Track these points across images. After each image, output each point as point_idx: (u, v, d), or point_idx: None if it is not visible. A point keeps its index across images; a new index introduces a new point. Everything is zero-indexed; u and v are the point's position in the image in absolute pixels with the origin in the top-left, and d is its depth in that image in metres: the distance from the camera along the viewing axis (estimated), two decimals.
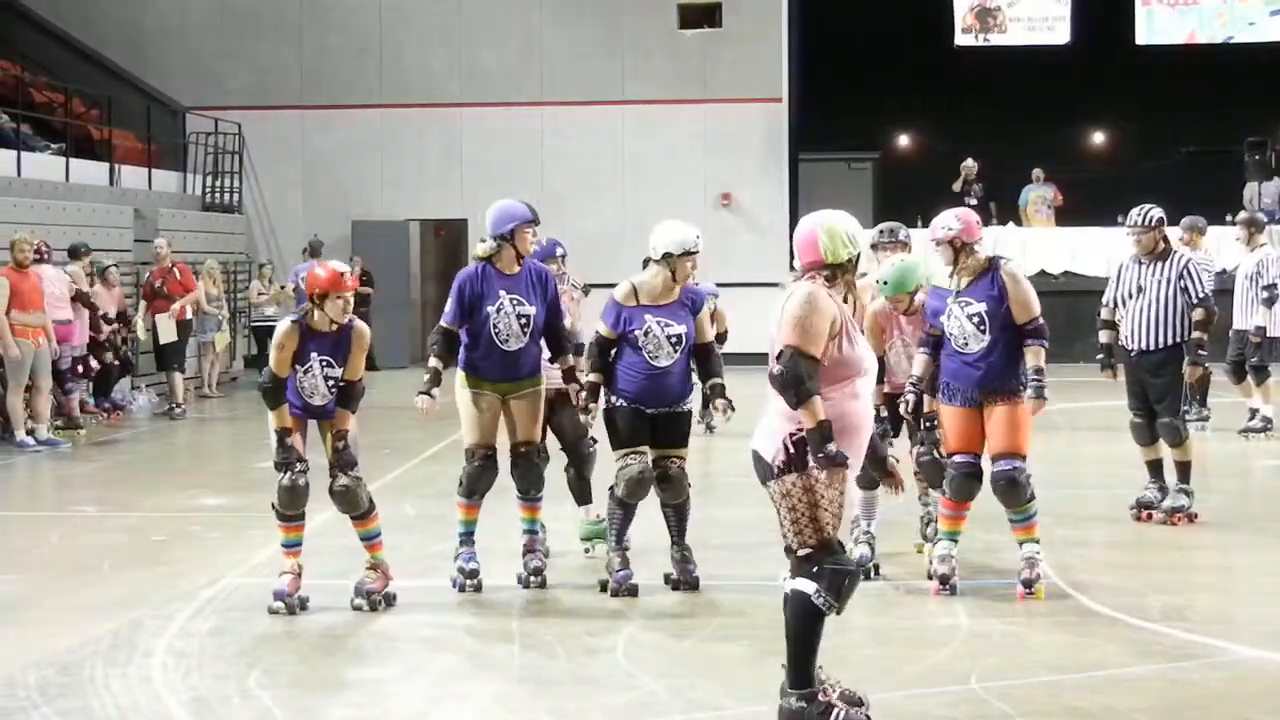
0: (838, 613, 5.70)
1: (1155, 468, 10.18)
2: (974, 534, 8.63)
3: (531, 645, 7.19)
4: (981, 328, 7.91)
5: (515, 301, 8.14)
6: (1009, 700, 6.23)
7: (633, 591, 8.04)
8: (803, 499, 5.63)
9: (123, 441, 15.58)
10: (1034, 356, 7.92)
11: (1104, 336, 10.34)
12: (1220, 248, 18.62)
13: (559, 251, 9.16)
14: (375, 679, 6.71)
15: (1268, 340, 14.18)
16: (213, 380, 20.23)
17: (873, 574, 8.33)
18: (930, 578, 8.14)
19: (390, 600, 7.87)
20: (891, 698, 6.31)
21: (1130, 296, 10.10)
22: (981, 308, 7.91)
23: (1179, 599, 8.02)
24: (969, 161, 23.61)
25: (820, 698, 5.70)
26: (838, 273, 5.82)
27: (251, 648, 7.16)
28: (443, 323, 8.27)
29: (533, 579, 8.32)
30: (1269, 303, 14.01)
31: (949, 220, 8.02)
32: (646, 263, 8.23)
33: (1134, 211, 10.15)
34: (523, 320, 8.16)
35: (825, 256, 5.79)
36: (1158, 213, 10.07)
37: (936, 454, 8.32)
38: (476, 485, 8.29)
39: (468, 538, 8.33)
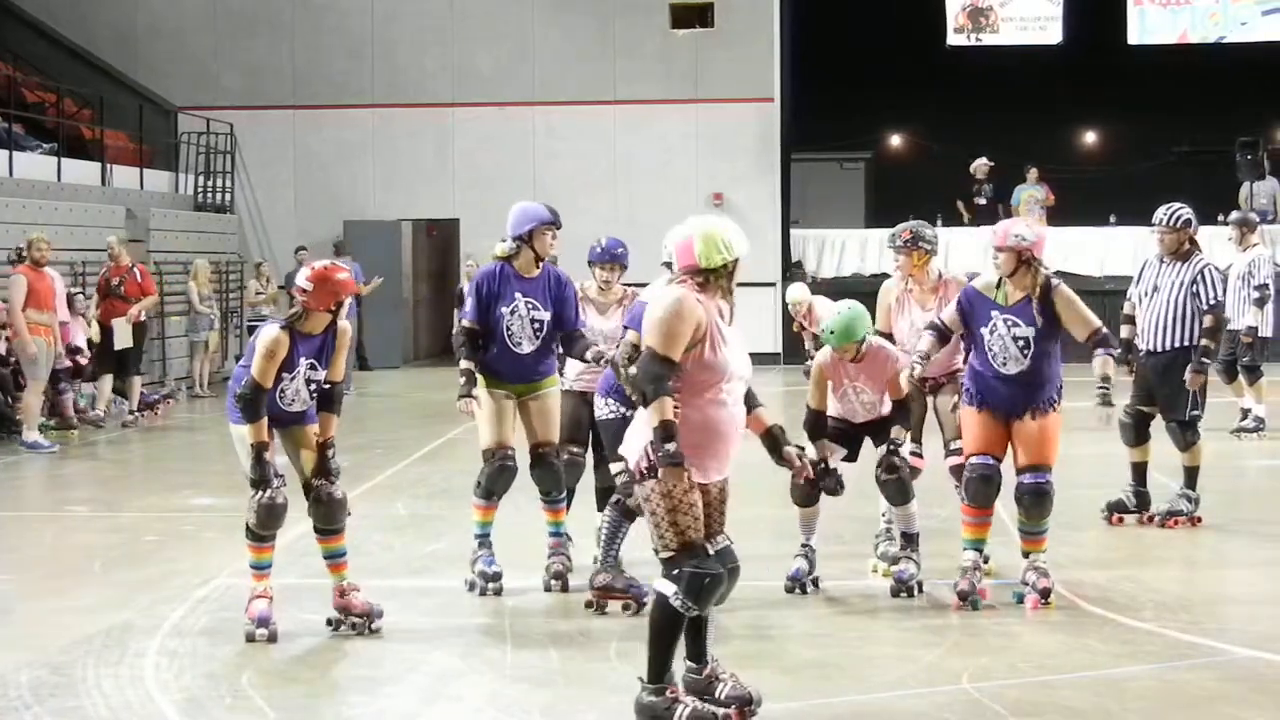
0: (699, 614, 5.82)
1: (1139, 471, 10.09)
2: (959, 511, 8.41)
3: (524, 645, 7.19)
4: (1025, 352, 7.68)
5: (530, 305, 8.06)
6: (1001, 700, 6.23)
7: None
8: (661, 504, 5.73)
9: (114, 442, 15.56)
10: (1101, 365, 7.84)
11: (1124, 331, 10.19)
12: (1212, 248, 18.63)
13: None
14: (368, 679, 6.70)
15: (1259, 340, 14.20)
16: (204, 380, 20.25)
17: (810, 587, 8.11)
18: (891, 592, 8.00)
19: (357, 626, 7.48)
20: (884, 698, 6.32)
21: (1147, 295, 10.01)
22: (1030, 332, 7.69)
23: (1171, 599, 8.02)
24: (981, 160, 23.58)
25: (669, 693, 5.82)
26: (710, 278, 5.88)
27: (244, 647, 7.15)
28: (464, 322, 8.21)
29: (553, 583, 8.22)
30: (1260, 303, 14.03)
31: (1023, 229, 7.81)
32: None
33: (1160, 210, 9.95)
34: (536, 325, 8.09)
35: (700, 261, 5.87)
36: (1185, 214, 9.88)
37: (891, 476, 8.05)
38: (495, 486, 8.17)
39: (485, 540, 8.23)
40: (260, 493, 7.25)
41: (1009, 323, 7.72)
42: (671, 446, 5.64)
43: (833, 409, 8.22)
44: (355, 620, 7.42)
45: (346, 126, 24.70)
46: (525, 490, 8.42)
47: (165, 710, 6.22)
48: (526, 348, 8.10)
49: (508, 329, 8.08)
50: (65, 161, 19.96)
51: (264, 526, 7.32)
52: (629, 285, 8.64)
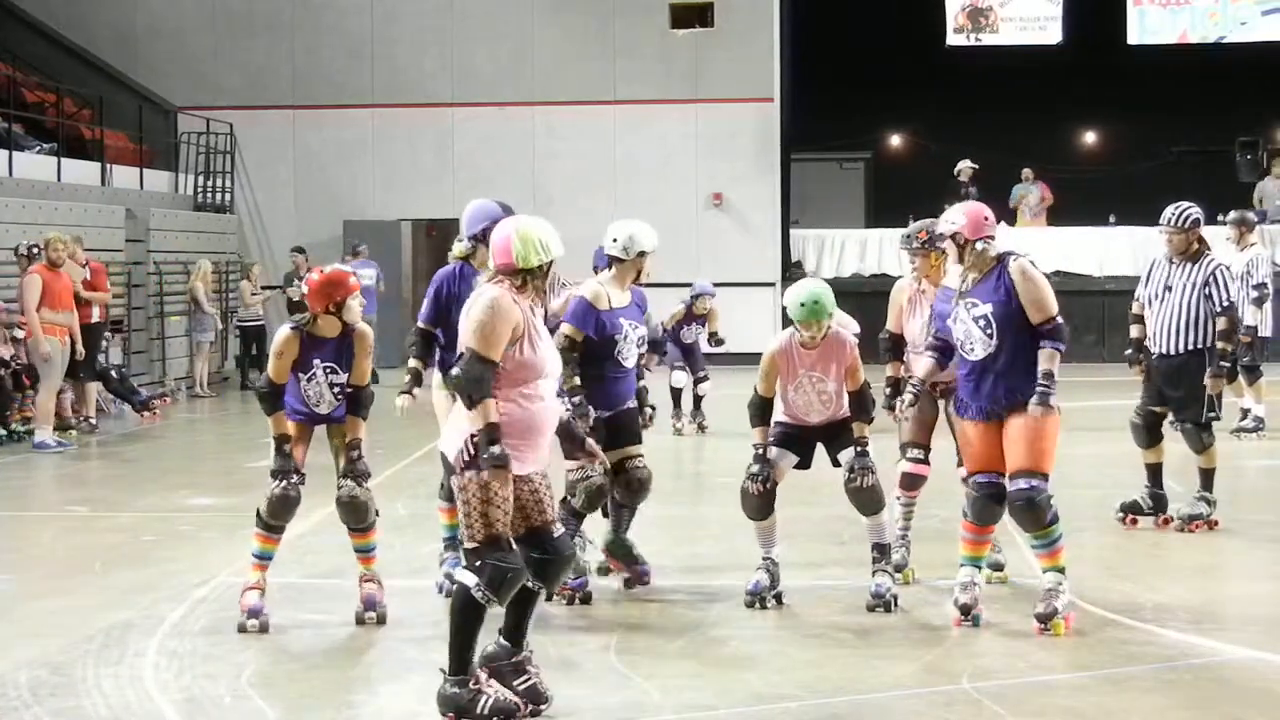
0: (499, 604, 5.95)
1: (1154, 472, 9.94)
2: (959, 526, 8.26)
3: None
4: (988, 331, 7.27)
5: None
6: (1002, 700, 6.23)
7: (587, 600, 7.96)
8: (476, 495, 5.88)
9: (114, 442, 15.56)
10: (1046, 360, 7.21)
11: (1134, 331, 10.01)
12: (1212, 248, 18.62)
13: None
14: (366, 679, 6.70)
15: (1258, 340, 14.20)
16: (204, 380, 20.27)
17: (771, 602, 7.81)
18: (867, 607, 7.74)
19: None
20: (883, 698, 6.32)
21: (1157, 296, 9.82)
22: (987, 309, 7.27)
23: (1171, 599, 8.00)
24: (965, 162, 23.57)
25: (472, 684, 5.94)
26: (527, 278, 6.01)
27: (243, 647, 7.15)
28: (420, 323, 8.23)
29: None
30: (1259, 302, 14.02)
31: (954, 214, 7.46)
32: (612, 262, 8.07)
33: (1169, 210, 9.78)
34: None
35: (517, 261, 5.99)
36: (1194, 213, 9.73)
37: (863, 482, 7.68)
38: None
39: (452, 542, 8.22)
40: (276, 483, 7.46)
41: (968, 305, 7.35)
42: (497, 449, 5.80)
43: (783, 410, 7.88)
44: (358, 609, 7.60)
45: (346, 126, 24.70)
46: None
47: (165, 710, 6.22)
48: None
49: None
50: (65, 161, 19.95)
51: (274, 516, 7.52)
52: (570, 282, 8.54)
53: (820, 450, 7.98)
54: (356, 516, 7.60)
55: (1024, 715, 6.08)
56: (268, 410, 7.51)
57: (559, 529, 6.14)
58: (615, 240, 8.01)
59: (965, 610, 7.39)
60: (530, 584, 6.05)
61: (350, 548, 7.80)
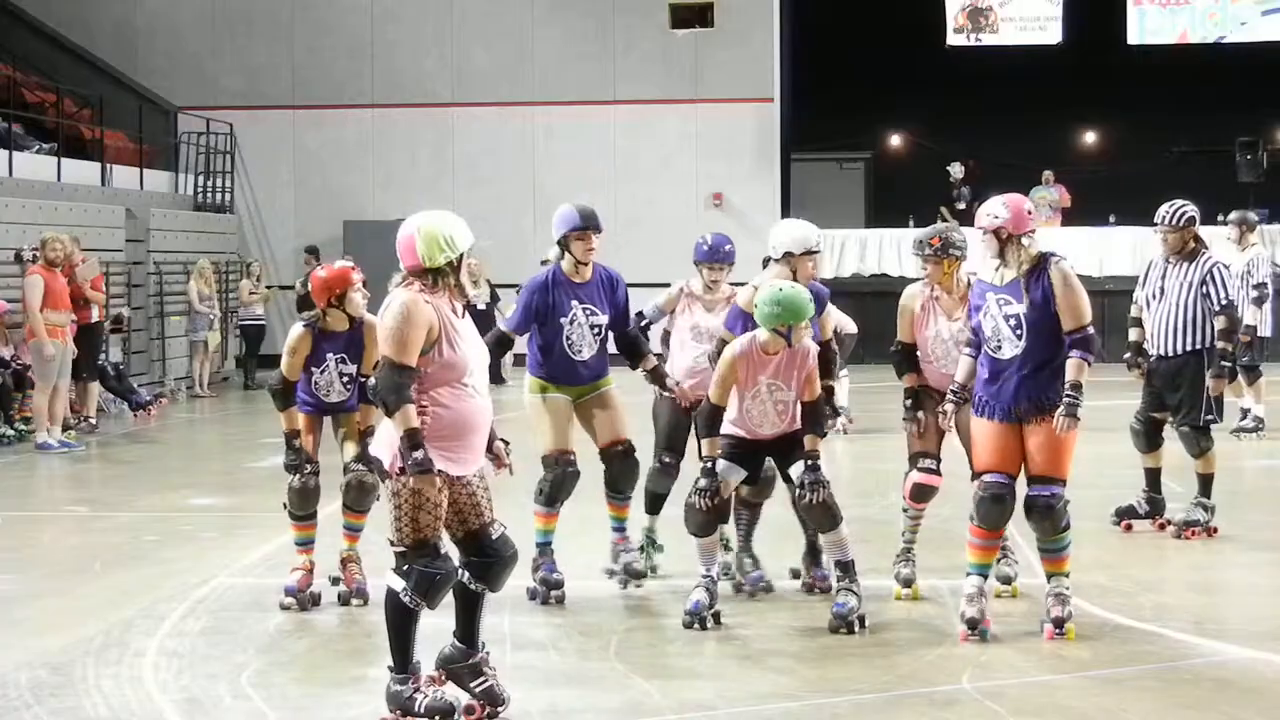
0: (429, 608, 5.95)
1: (1153, 476, 9.86)
2: (966, 531, 7.91)
3: (524, 645, 7.18)
4: (1017, 331, 7.08)
5: (588, 311, 7.96)
6: (1001, 700, 6.23)
7: (769, 589, 8.02)
8: (409, 500, 5.85)
9: (114, 442, 15.56)
10: (1073, 370, 7.03)
11: (1133, 334, 9.88)
12: (1212, 247, 18.63)
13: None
14: (367, 678, 6.69)
15: (1258, 339, 14.19)
16: (204, 380, 20.26)
17: (710, 622, 7.41)
18: (830, 628, 7.37)
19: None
20: (883, 697, 6.32)
21: (1154, 297, 9.70)
22: (1020, 309, 7.07)
23: (1171, 599, 8.01)
24: (955, 165, 23.59)
25: (411, 683, 5.95)
26: (437, 277, 5.93)
27: (243, 647, 7.15)
28: (503, 327, 8.15)
29: (632, 577, 8.17)
30: (1258, 302, 14.01)
31: (996, 208, 7.20)
32: (766, 262, 8.14)
33: (1163, 208, 9.65)
34: (595, 330, 7.99)
35: (423, 261, 5.91)
36: (1190, 211, 9.59)
37: (815, 498, 7.34)
38: (559, 493, 8.00)
39: (547, 548, 8.02)
40: (293, 477, 7.88)
41: (1001, 301, 7.13)
42: (419, 454, 5.75)
43: (735, 422, 7.55)
44: (343, 590, 7.95)
45: (346, 127, 24.71)
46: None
47: (165, 710, 6.23)
48: (586, 354, 8.01)
49: (567, 339, 7.96)
50: (65, 161, 19.95)
51: (299, 508, 7.94)
52: (734, 284, 8.48)
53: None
54: (362, 499, 7.94)
55: (1024, 715, 6.08)
56: (280, 406, 7.83)
57: (498, 529, 6.08)
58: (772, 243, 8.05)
59: (972, 625, 7.16)
60: (473, 586, 6.05)
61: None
